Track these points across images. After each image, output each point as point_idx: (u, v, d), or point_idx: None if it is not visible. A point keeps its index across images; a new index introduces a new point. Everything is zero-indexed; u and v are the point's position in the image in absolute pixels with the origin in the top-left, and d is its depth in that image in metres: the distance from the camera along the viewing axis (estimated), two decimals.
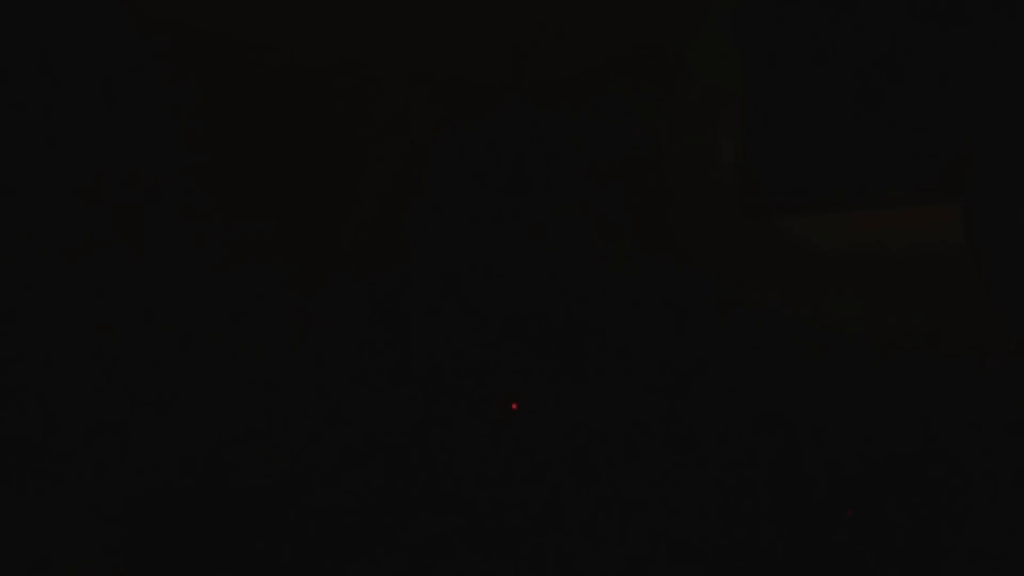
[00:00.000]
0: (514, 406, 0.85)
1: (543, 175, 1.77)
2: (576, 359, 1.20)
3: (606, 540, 0.79)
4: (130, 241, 1.30)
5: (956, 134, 1.07)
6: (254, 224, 1.38)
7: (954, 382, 1.09)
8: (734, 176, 1.37)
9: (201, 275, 1.39)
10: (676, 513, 0.77)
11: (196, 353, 1.39)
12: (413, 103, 1.36)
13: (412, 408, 1.05)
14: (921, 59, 1.11)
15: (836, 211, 1.23)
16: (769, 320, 1.34)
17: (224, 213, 1.37)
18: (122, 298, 1.31)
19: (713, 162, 1.42)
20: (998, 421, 1.01)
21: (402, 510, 0.90)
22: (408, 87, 1.37)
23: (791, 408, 0.91)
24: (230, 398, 1.40)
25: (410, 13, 1.42)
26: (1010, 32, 0.99)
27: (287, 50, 1.36)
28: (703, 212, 1.44)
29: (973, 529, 0.79)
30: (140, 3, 1.28)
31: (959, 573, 0.78)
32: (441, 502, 0.91)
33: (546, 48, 1.76)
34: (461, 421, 0.99)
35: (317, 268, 1.40)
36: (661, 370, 1.60)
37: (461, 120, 1.49)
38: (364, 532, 0.85)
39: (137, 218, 1.31)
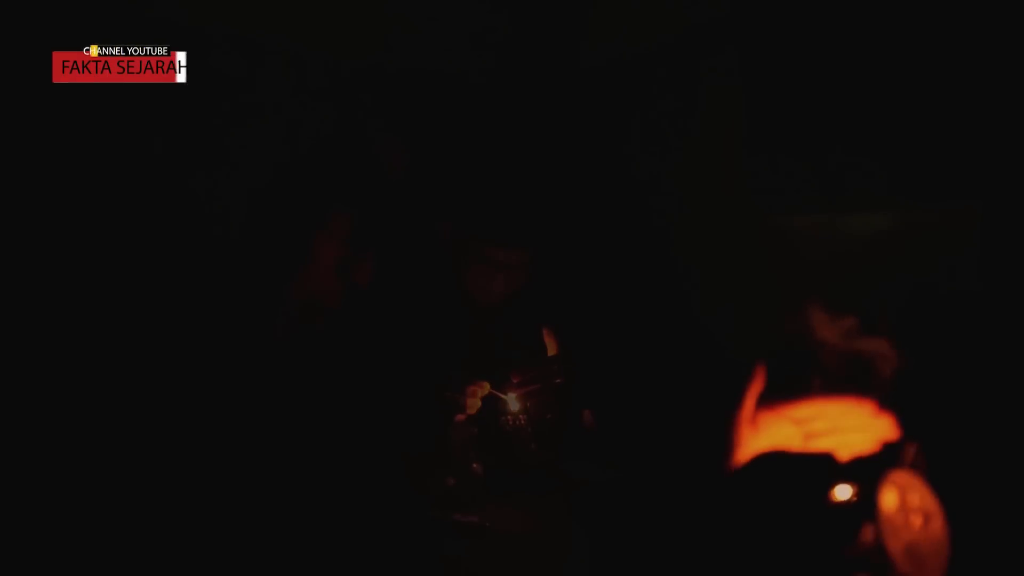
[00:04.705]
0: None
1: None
2: None
3: None
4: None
5: (957, 136, 1.08)
6: None
7: (954, 381, 1.09)
8: (737, 178, 1.37)
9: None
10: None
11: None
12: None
13: None
14: (919, 61, 1.12)
15: (834, 211, 1.23)
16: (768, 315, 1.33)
17: None
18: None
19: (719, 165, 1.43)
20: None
21: None
22: None
23: None
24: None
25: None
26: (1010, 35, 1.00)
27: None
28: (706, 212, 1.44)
29: None
30: None
31: None
32: None
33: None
34: None
35: None
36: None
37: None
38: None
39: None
